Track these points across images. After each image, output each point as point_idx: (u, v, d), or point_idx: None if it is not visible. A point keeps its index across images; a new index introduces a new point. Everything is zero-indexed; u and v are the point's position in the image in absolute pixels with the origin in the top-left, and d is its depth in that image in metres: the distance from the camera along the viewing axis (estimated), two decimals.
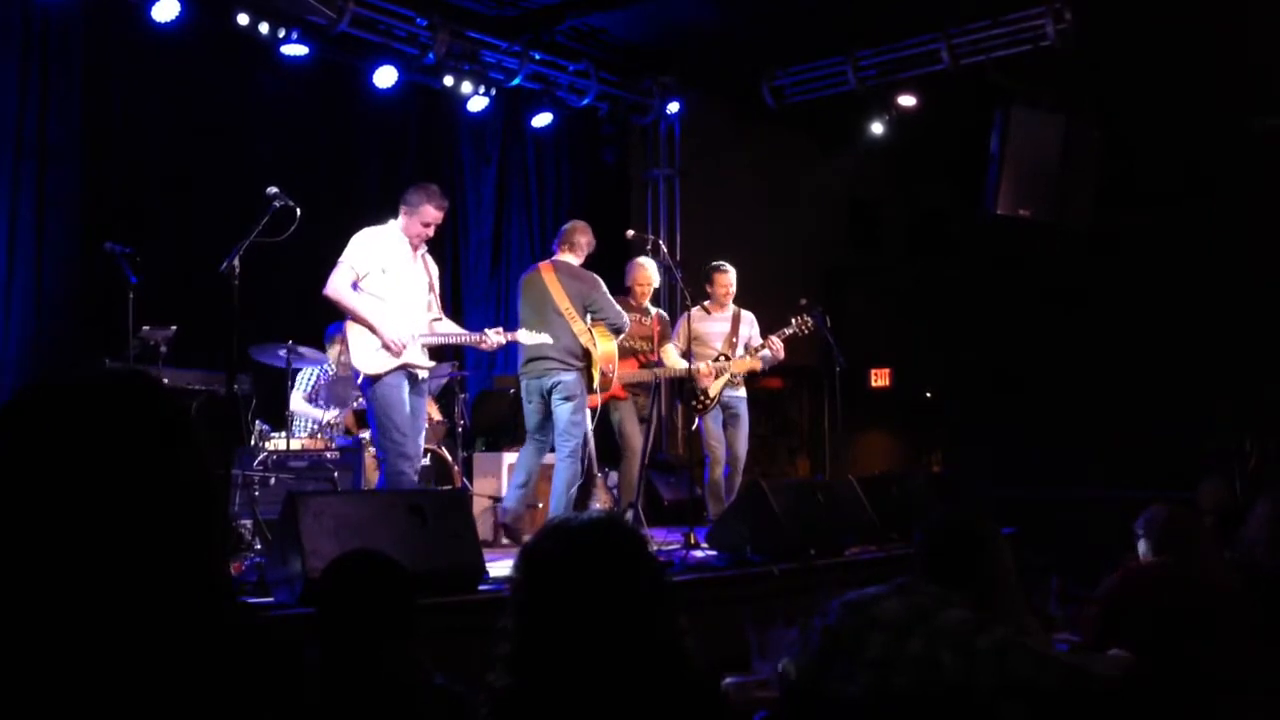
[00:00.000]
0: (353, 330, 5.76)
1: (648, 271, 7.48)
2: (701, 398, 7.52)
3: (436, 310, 6.11)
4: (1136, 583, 3.64)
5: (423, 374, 5.94)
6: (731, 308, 7.84)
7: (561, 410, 6.53)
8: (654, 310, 7.55)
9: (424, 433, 6.08)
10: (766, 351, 7.60)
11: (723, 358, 7.59)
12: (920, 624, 2.83)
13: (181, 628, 1.25)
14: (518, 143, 9.71)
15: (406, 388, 5.80)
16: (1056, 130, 9.17)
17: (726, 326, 7.77)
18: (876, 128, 9.94)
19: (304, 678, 2.46)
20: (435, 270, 6.18)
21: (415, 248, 5.96)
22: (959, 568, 3.02)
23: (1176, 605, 3.44)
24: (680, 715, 1.69)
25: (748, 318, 7.86)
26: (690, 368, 7.34)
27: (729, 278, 7.79)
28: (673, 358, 7.41)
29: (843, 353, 7.75)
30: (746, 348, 7.70)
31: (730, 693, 3.68)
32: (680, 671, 1.70)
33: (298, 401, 7.26)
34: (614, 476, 7.88)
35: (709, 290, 7.82)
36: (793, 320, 7.63)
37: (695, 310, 7.76)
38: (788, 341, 7.65)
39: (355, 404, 7.33)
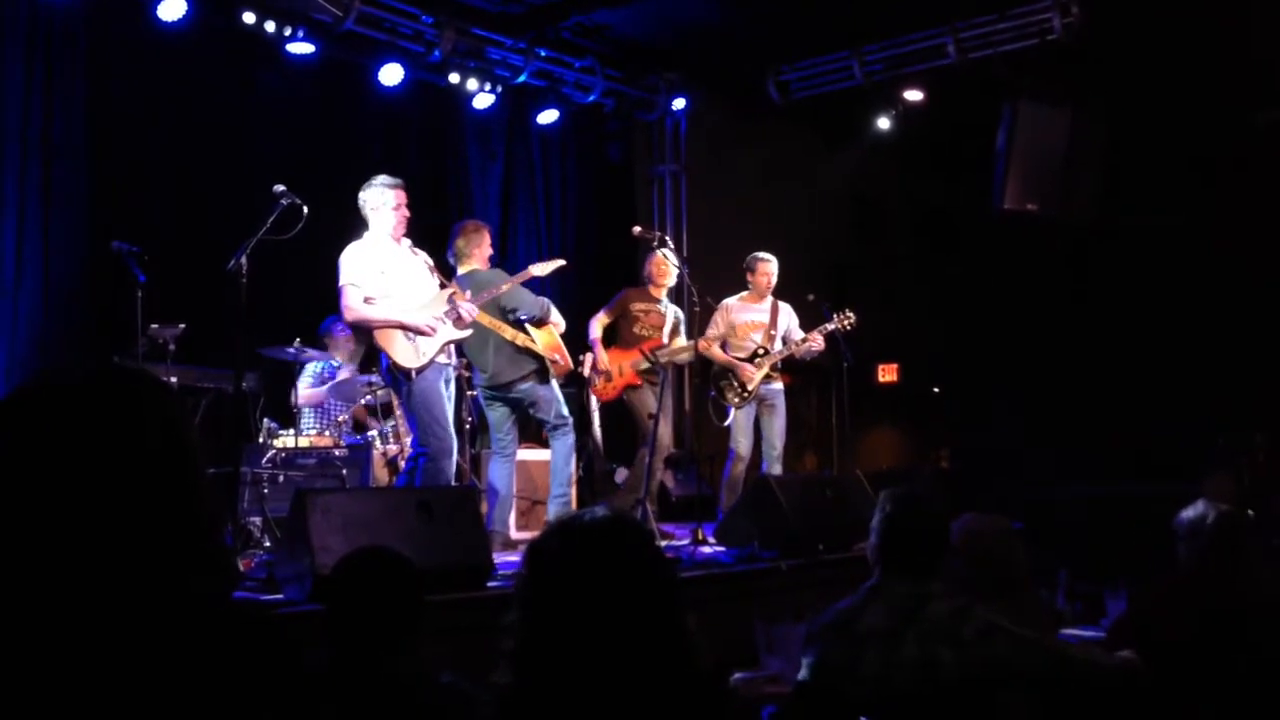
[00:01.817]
0: (385, 337, 5.69)
1: (668, 263, 7.47)
2: (740, 390, 7.51)
3: (450, 287, 6.06)
4: (1173, 592, 3.58)
5: (450, 362, 5.91)
6: (770, 299, 7.81)
7: (543, 415, 6.55)
8: (672, 307, 7.51)
9: None
10: (810, 345, 7.59)
11: (762, 350, 7.58)
12: (908, 626, 2.82)
13: (172, 623, 1.25)
14: (523, 140, 9.71)
15: (442, 381, 5.77)
16: (1063, 124, 9.15)
17: (765, 318, 7.74)
18: (883, 123, 9.92)
19: (311, 674, 2.47)
20: (428, 258, 6.10)
21: (398, 240, 5.90)
22: (923, 557, 2.99)
23: (1220, 618, 3.39)
24: (686, 713, 1.69)
25: (786, 309, 7.83)
26: (689, 345, 7.23)
27: (771, 266, 7.76)
28: (681, 345, 7.35)
29: (850, 348, 7.75)
30: (785, 340, 7.68)
31: (739, 689, 3.69)
32: (686, 669, 1.70)
33: (304, 393, 7.25)
34: (622, 473, 7.89)
35: (750, 280, 7.79)
36: (834, 316, 7.62)
37: (733, 300, 7.76)
38: (828, 337, 7.66)
39: (363, 400, 7.34)
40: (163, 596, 1.26)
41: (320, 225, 5.55)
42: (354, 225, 5.95)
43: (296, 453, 6.79)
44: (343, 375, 7.33)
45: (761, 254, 7.84)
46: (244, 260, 5.13)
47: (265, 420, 7.11)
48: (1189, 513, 3.69)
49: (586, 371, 7.69)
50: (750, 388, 7.50)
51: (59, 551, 1.23)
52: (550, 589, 1.70)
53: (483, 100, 8.83)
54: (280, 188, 5.36)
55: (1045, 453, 10.01)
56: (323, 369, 7.46)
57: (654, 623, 1.68)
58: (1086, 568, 4.84)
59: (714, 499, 7.66)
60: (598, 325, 7.45)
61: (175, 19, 7.10)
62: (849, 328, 7.63)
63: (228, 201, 7.33)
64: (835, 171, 10.65)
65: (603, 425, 7.89)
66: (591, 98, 9.58)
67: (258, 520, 6.01)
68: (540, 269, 6.49)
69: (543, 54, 9.11)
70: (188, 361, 6.39)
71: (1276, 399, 8.98)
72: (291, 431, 6.90)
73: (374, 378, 7.05)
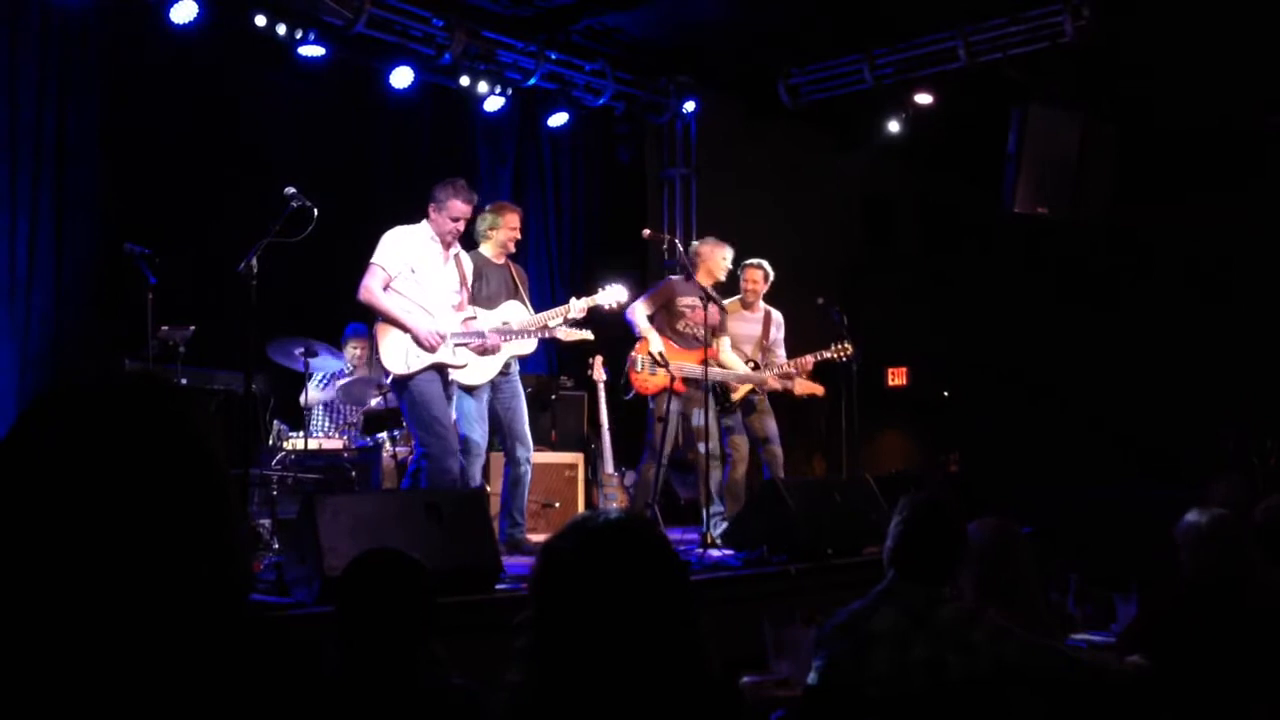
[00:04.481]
0: (384, 331, 5.73)
1: (723, 255, 7.11)
2: (722, 402, 7.42)
3: (469, 309, 6.04)
4: (1182, 598, 3.55)
5: (454, 375, 5.91)
6: (763, 307, 7.62)
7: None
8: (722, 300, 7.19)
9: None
10: (792, 369, 7.48)
11: (752, 364, 7.42)
12: (917, 629, 2.82)
13: (196, 628, 1.26)
14: (534, 142, 9.72)
15: (440, 383, 5.79)
16: (1074, 128, 9.12)
17: (758, 329, 7.59)
18: (893, 126, 9.91)
19: (322, 676, 2.48)
20: (469, 267, 6.12)
21: (447, 245, 5.90)
22: (938, 563, 2.98)
23: (1227, 623, 3.36)
24: (698, 715, 1.69)
25: (777, 319, 7.64)
26: (748, 374, 7.06)
27: (756, 274, 7.50)
28: (729, 356, 7.14)
29: (858, 352, 7.70)
30: (771, 350, 7.55)
31: (747, 692, 3.68)
32: (699, 671, 1.70)
33: (313, 393, 7.28)
34: (630, 476, 7.88)
35: (741, 287, 7.58)
36: (832, 344, 7.40)
37: (728, 302, 7.61)
38: (820, 365, 7.50)
39: (373, 403, 7.35)
40: (187, 598, 1.27)
41: (331, 227, 5.56)
42: (365, 228, 5.96)
43: (306, 455, 6.81)
44: (352, 378, 7.34)
45: (752, 260, 7.57)
46: (254, 262, 5.14)
47: (275, 422, 7.12)
48: (1188, 518, 3.67)
49: (596, 375, 7.68)
50: (734, 399, 7.36)
51: (85, 552, 1.24)
52: (564, 589, 1.71)
53: (493, 103, 8.84)
54: (290, 190, 5.37)
55: (1055, 456, 9.99)
56: (332, 373, 7.49)
57: (667, 624, 1.68)
58: (1097, 571, 4.82)
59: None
60: (643, 317, 6.99)
61: (187, 21, 7.12)
62: (844, 359, 7.41)
63: (238, 203, 7.34)
64: (845, 174, 10.63)
65: (612, 430, 7.89)
66: (602, 100, 9.58)
67: (267, 522, 6.02)
68: (605, 297, 6.34)
69: (553, 57, 9.12)
70: (198, 363, 6.41)
71: None
72: (301, 434, 6.91)
73: (385, 379, 7.06)
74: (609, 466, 7.81)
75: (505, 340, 6.11)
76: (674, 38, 9.59)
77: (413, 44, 8.32)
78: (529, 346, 6.28)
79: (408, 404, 5.79)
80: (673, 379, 6.88)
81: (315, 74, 7.97)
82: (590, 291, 6.48)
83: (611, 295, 6.46)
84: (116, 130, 7.30)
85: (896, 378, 11.46)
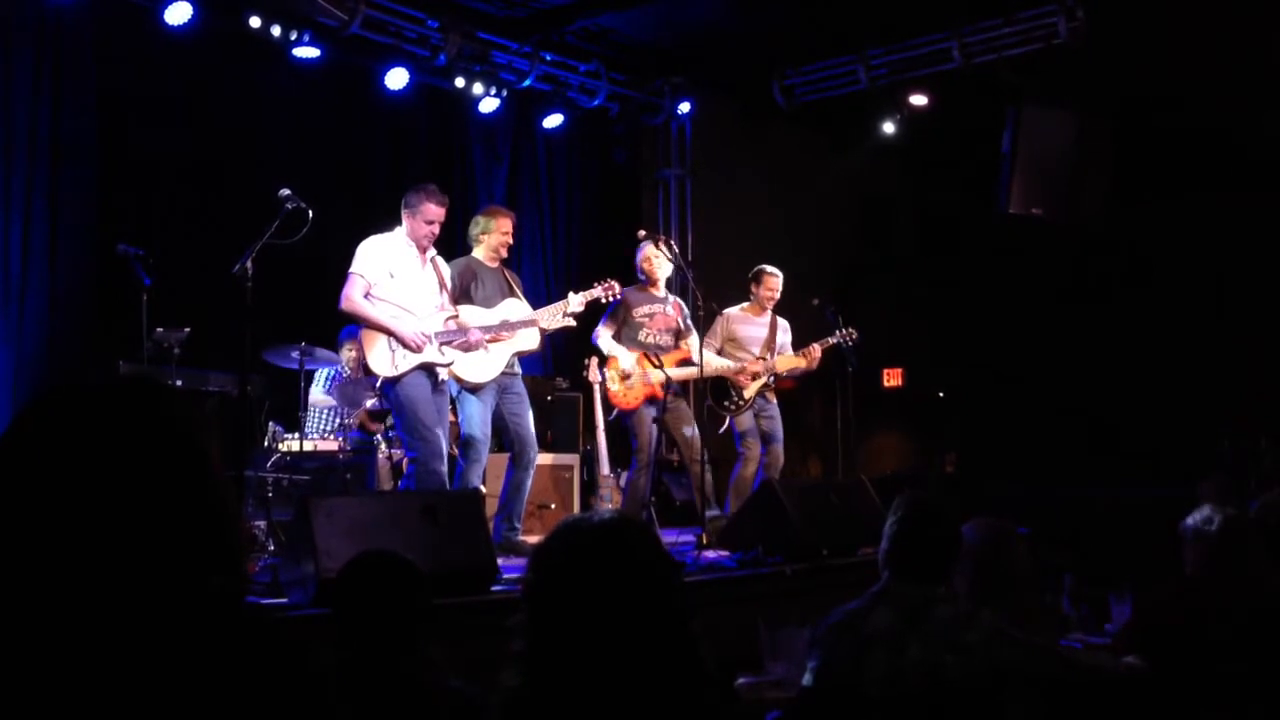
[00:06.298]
0: (368, 337, 5.77)
1: (660, 256, 7.10)
2: (736, 400, 7.47)
3: (451, 309, 6.08)
4: (1178, 598, 3.55)
5: (442, 373, 5.94)
6: (769, 313, 7.74)
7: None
8: (673, 298, 7.32)
9: (446, 434, 6.08)
10: (801, 362, 7.53)
11: (761, 362, 7.50)
12: (913, 630, 2.82)
13: (193, 629, 1.26)
14: (529, 143, 9.72)
15: (429, 385, 5.81)
16: (1069, 128, 9.13)
17: (765, 332, 7.67)
18: (888, 127, 9.92)
19: (320, 678, 2.47)
20: (446, 270, 6.16)
21: (423, 249, 5.95)
22: (933, 564, 2.98)
23: (1225, 622, 3.36)
24: (694, 716, 1.69)
25: (783, 325, 7.77)
26: (729, 366, 7.24)
27: (777, 282, 7.67)
28: (705, 354, 7.13)
29: (854, 353, 7.72)
30: (780, 353, 7.62)
31: (742, 693, 3.68)
32: (694, 673, 1.70)
33: (316, 394, 7.30)
34: (625, 477, 7.87)
35: (754, 291, 7.70)
36: (837, 331, 7.54)
37: (734, 310, 7.68)
38: (828, 352, 7.59)
39: (368, 404, 7.35)
40: (184, 600, 1.27)
41: (326, 229, 5.56)
42: (360, 229, 5.96)
43: (301, 456, 6.80)
44: (346, 380, 7.34)
45: (769, 267, 7.74)
46: (249, 264, 5.13)
47: (270, 424, 7.11)
48: (1194, 517, 3.67)
49: (592, 377, 7.67)
50: (747, 395, 7.46)
51: (81, 555, 1.24)
52: (556, 591, 1.71)
53: (488, 104, 8.84)
54: (285, 191, 5.36)
55: (1051, 457, 10.00)
56: (331, 376, 7.48)
57: (660, 625, 1.68)
58: (1091, 572, 4.83)
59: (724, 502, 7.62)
60: (606, 339, 7.14)
61: (182, 23, 7.11)
62: (852, 343, 7.57)
63: (233, 205, 7.34)
64: (841, 175, 10.64)
65: (608, 431, 7.88)
66: (596, 102, 9.58)
67: (262, 524, 6.01)
68: (547, 324, 6.32)
69: (548, 58, 9.11)
70: (192, 365, 6.40)
71: None
72: (296, 435, 6.91)
73: (377, 381, 7.07)
74: (605, 468, 7.81)
75: (505, 335, 6.13)
76: (668, 39, 9.59)
77: (408, 45, 8.32)
78: (533, 341, 6.28)
79: (396, 408, 5.85)
80: (653, 386, 6.94)
81: (310, 75, 7.97)
82: (587, 288, 6.51)
83: (608, 290, 6.52)
84: (111, 132, 7.29)
85: (892, 379, 11.47)
